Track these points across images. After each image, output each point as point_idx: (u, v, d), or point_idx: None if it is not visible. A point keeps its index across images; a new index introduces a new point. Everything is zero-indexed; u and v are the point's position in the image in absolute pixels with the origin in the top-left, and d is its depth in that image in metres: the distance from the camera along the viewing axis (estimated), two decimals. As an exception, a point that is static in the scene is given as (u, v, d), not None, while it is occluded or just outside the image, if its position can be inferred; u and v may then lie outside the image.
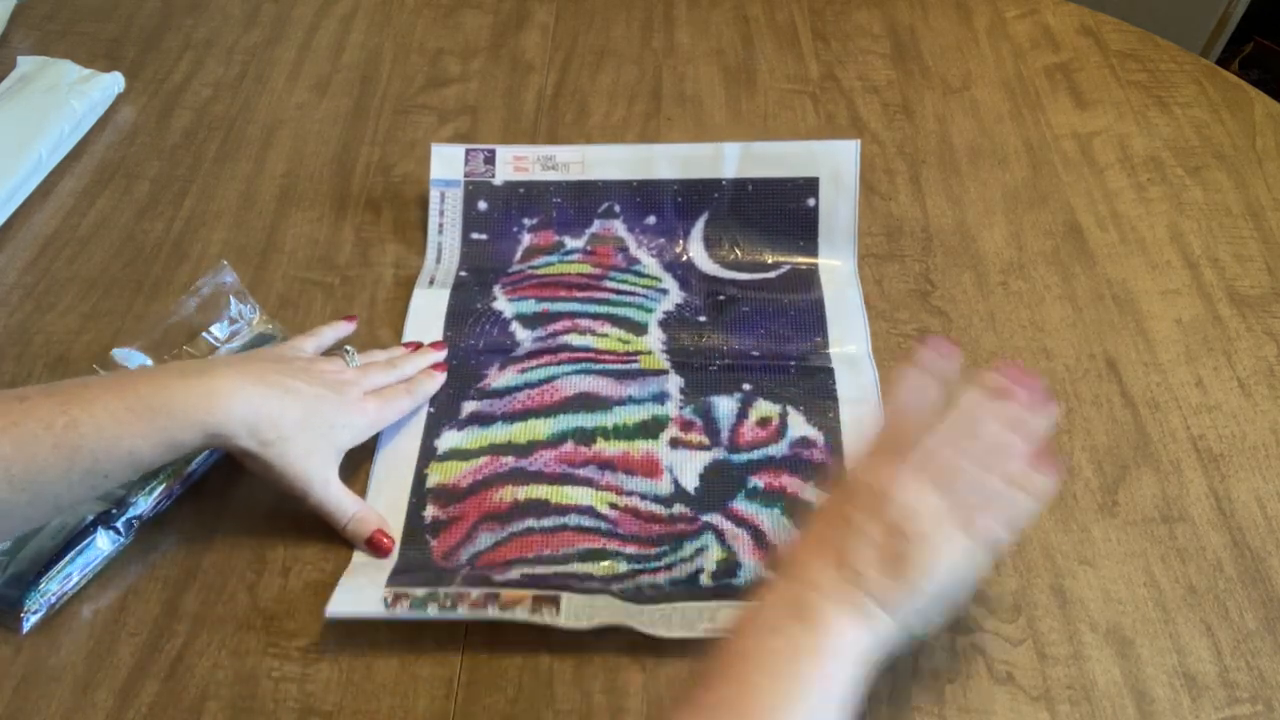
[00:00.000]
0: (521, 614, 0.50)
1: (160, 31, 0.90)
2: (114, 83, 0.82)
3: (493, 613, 0.50)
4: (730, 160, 0.70)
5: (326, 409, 0.54)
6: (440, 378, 0.62)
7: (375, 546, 0.54)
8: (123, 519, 0.54)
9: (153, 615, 0.53)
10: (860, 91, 0.84)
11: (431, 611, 0.50)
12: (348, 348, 0.60)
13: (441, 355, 0.63)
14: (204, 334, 0.63)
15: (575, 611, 0.50)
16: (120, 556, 0.55)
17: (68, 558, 0.53)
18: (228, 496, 0.57)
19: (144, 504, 0.55)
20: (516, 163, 0.71)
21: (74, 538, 0.53)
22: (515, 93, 0.84)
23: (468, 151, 0.71)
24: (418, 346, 0.64)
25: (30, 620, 0.52)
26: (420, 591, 0.51)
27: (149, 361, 0.61)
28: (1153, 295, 0.69)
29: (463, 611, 0.50)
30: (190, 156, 0.78)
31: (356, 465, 0.58)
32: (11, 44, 0.88)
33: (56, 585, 0.52)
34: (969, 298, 0.68)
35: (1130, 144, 0.79)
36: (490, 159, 0.71)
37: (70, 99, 0.79)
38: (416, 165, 0.77)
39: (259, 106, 0.83)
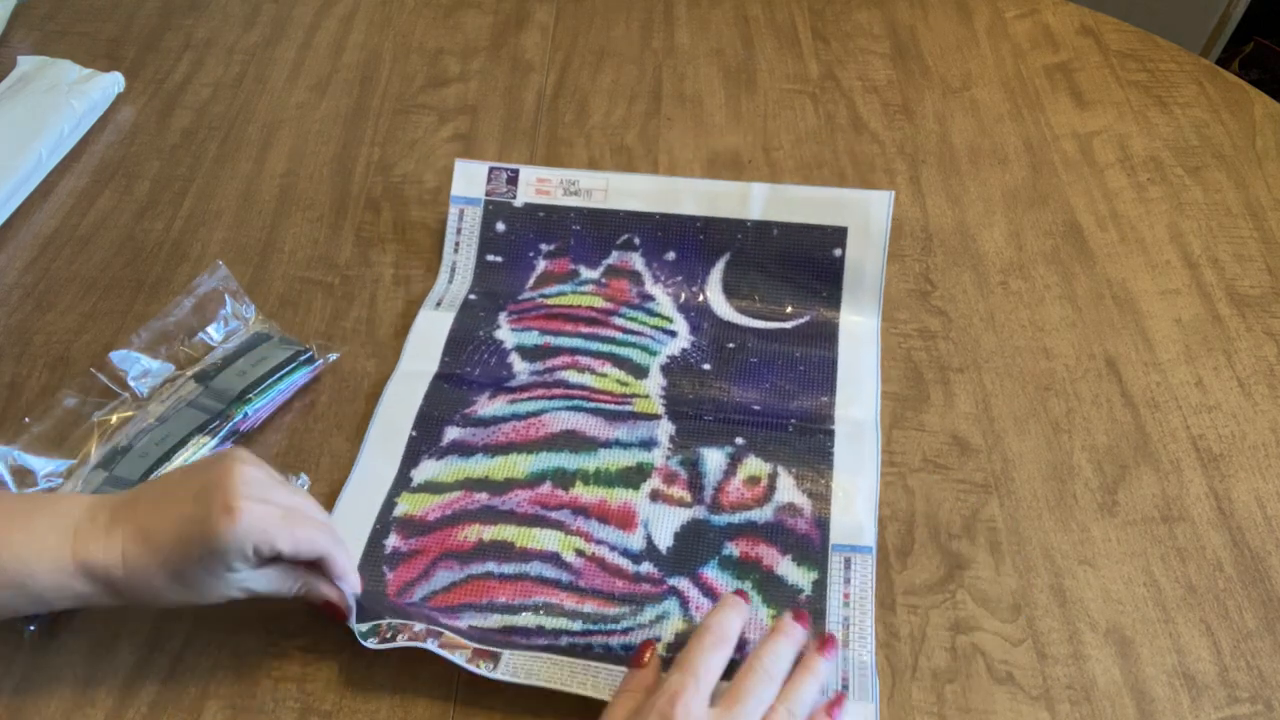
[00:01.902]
0: (460, 658, 0.49)
1: (160, 31, 0.90)
2: (114, 83, 0.82)
3: (431, 645, 0.49)
4: (757, 201, 0.67)
5: (192, 535, 0.44)
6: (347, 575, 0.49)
7: (330, 613, 0.49)
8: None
9: (153, 615, 0.53)
10: (860, 91, 0.84)
11: (371, 644, 0.49)
12: (302, 474, 0.56)
13: (356, 588, 0.50)
14: (200, 334, 0.63)
15: (514, 669, 0.49)
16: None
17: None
18: (228, 496, 0.57)
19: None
20: (539, 184, 0.69)
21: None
22: (515, 93, 0.84)
23: (491, 170, 0.70)
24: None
25: (34, 624, 0.52)
26: (364, 627, 0.50)
27: (148, 364, 0.61)
28: (1153, 295, 0.69)
29: (402, 641, 0.49)
30: (190, 156, 0.78)
31: (329, 492, 0.58)
32: (11, 44, 0.88)
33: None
34: (969, 297, 0.68)
35: (1130, 144, 0.79)
36: (513, 179, 0.69)
37: (70, 99, 0.79)
38: (416, 165, 0.77)
39: (259, 106, 0.83)
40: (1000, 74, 0.86)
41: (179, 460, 0.56)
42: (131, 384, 0.60)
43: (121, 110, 0.82)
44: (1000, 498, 0.58)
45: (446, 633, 0.50)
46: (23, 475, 0.56)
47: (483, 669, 0.49)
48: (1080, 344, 0.66)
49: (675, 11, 0.92)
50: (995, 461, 0.60)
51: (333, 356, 0.64)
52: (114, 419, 0.59)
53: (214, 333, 0.63)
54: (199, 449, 0.57)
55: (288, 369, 0.61)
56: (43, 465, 0.56)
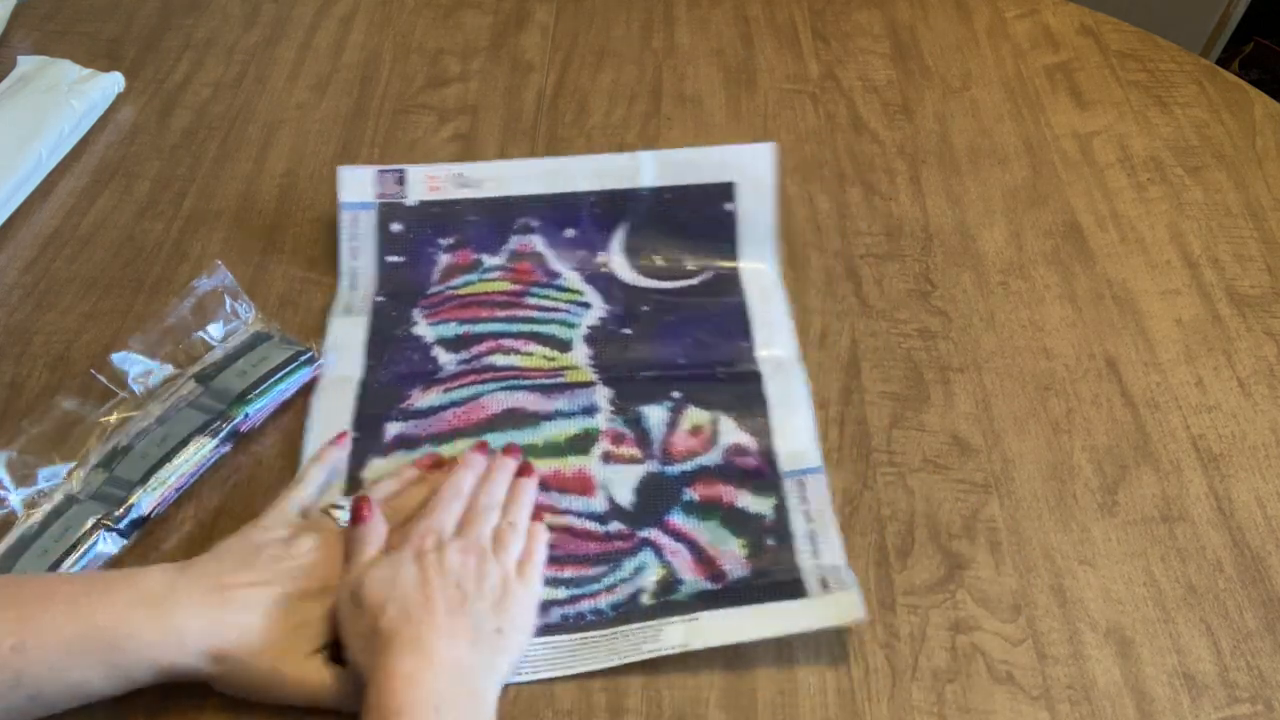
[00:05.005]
0: None
1: (160, 31, 0.90)
2: (114, 83, 0.82)
3: None
4: (646, 169, 0.69)
5: (294, 611, 0.48)
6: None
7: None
8: (125, 520, 0.54)
9: (153, 615, 0.53)
10: (860, 91, 0.84)
11: None
12: (339, 503, 0.54)
13: None
14: (200, 334, 0.63)
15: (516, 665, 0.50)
16: (121, 557, 0.55)
17: (71, 560, 0.52)
18: (228, 496, 0.57)
19: (145, 504, 0.55)
20: (430, 182, 0.69)
21: (77, 541, 0.53)
22: (515, 93, 0.84)
23: (379, 173, 0.70)
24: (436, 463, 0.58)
25: None
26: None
27: (148, 364, 0.61)
28: (1153, 295, 0.69)
29: None
30: (190, 156, 0.78)
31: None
32: (11, 44, 0.88)
33: (58, 586, 0.52)
34: (969, 297, 0.68)
35: (1130, 144, 0.79)
36: (401, 179, 0.69)
37: (70, 99, 0.79)
38: (416, 165, 0.77)
39: (259, 106, 0.83)
40: (1000, 74, 0.86)
41: (179, 461, 0.56)
42: (131, 384, 0.60)
43: (121, 110, 0.82)
44: (1000, 498, 0.58)
45: None
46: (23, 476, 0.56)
47: None
48: (1080, 344, 0.66)
49: (675, 11, 0.92)
50: (995, 461, 0.60)
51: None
52: (114, 418, 0.59)
53: (214, 333, 0.63)
54: (199, 449, 0.57)
55: (288, 369, 0.61)
56: (44, 471, 0.56)
